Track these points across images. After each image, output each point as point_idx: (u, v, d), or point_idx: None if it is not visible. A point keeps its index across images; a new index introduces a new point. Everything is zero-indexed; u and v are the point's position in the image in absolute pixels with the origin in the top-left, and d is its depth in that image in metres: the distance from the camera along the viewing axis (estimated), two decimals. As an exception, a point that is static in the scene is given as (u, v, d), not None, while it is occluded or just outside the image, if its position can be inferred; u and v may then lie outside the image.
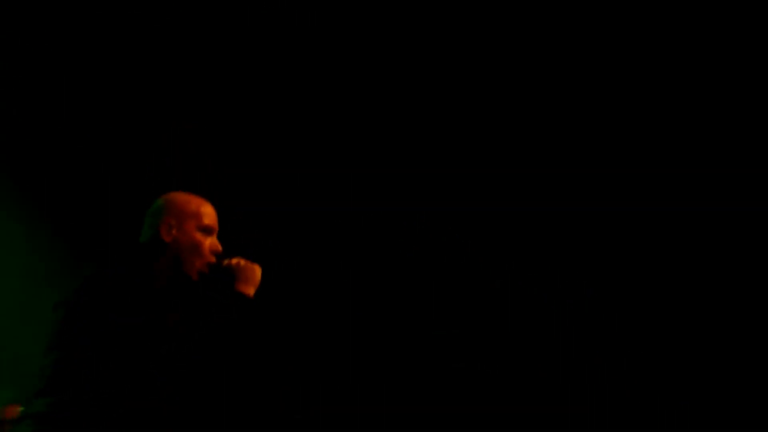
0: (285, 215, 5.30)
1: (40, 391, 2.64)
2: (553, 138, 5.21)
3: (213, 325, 2.70)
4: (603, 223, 5.10)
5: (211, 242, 2.91)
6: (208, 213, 2.94)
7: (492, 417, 4.99)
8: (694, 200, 4.93)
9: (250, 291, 2.87)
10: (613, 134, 5.15)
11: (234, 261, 2.92)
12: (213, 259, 2.89)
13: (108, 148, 5.40)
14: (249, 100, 5.41)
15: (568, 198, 5.15)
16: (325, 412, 5.01)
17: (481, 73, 5.27)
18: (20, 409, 3.34)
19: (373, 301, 5.22)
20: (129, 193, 4.98)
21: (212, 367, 2.74)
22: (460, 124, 5.29)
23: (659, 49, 5.08)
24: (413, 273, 5.25)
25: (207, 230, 2.91)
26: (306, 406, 5.01)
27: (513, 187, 5.16)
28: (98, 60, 5.25)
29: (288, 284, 4.89)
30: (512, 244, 5.16)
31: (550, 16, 5.09)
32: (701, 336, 4.86)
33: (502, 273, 5.17)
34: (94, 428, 2.56)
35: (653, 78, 5.13)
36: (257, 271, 2.91)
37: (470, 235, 5.20)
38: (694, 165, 4.94)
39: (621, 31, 5.12)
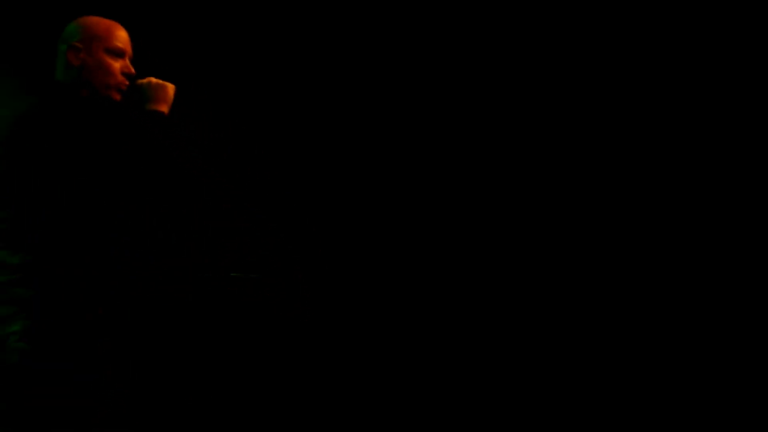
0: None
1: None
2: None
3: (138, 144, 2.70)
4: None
5: (122, 64, 2.85)
6: (119, 35, 2.88)
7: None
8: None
9: (163, 108, 2.85)
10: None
11: (145, 80, 2.89)
12: (126, 81, 2.85)
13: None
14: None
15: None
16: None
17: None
18: None
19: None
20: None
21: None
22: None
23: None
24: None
25: (117, 53, 2.85)
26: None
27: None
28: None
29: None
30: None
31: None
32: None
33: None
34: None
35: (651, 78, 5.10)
36: (169, 89, 2.89)
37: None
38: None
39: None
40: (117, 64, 2.84)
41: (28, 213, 2.59)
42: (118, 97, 2.84)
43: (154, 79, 2.90)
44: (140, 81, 2.90)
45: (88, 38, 2.83)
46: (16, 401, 2.53)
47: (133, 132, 2.71)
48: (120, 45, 2.86)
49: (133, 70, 2.87)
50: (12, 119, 2.68)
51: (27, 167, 2.60)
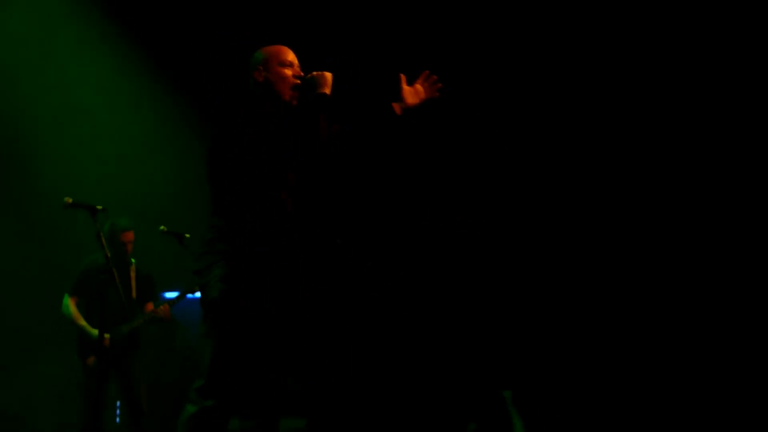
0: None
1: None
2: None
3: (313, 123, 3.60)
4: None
5: (292, 71, 3.86)
6: (287, 51, 3.91)
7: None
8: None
9: (326, 90, 3.73)
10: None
11: (308, 75, 3.80)
12: (297, 81, 3.82)
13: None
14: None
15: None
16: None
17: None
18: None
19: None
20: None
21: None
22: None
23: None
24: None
25: (286, 64, 3.87)
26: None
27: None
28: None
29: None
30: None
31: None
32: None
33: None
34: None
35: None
36: (327, 76, 3.76)
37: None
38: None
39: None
40: (288, 72, 3.85)
41: (232, 191, 3.65)
42: (290, 99, 3.82)
43: (315, 72, 3.79)
44: (306, 77, 3.81)
45: (265, 60, 3.89)
46: (218, 327, 3.63)
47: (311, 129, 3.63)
48: (288, 58, 3.89)
49: (301, 73, 3.86)
50: (216, 126, 3.74)
51: (235, 161, 3.63)
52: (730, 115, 4.99)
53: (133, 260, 6.48)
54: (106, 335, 5.56)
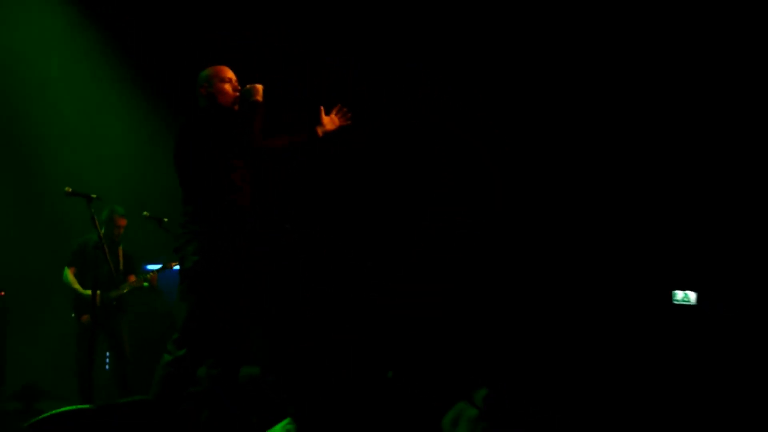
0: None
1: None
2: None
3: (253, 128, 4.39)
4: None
5: (231, 85, 4.53)
6: (225, 69, 4.58)
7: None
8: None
9: (258, 98, 4.44)
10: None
11: (245, 88, 4.49)
12: (237, 93, 4.51)
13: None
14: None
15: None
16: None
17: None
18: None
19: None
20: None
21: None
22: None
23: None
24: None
25: (227, 80, 4.55)
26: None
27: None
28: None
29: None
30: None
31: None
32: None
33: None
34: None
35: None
36: (259, 87, 4.47)
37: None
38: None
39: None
40: (228, 86, 4.53)
41: (196, 183, 4.38)
42: (232, 105, 4.51)
43: (249, 85, 4.47)
44: (242, 89, 4.51)
45: (209, 78, 4.55)
46: (191, 291, 4.28)
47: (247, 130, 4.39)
48: (227, 75, 4.57)
49: (239, 87, 4.52)
50: (176, 135, 4.43)
51: (193, 160, 4.36)
52: (728, 115, 5.01)
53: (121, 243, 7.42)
54: (98, 296, 6.46)
